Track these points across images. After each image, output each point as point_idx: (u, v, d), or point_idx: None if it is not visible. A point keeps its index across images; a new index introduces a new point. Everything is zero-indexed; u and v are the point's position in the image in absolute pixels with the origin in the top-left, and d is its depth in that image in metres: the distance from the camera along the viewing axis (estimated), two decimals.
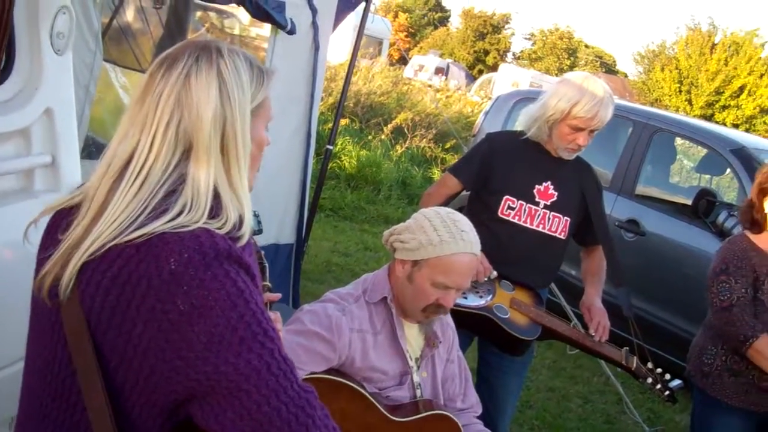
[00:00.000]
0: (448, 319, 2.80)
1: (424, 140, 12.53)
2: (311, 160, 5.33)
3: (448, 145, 12.80)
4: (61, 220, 1.54)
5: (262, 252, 2.26)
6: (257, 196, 4.83)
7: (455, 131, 12.47)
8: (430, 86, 19.10)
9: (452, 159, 12.60)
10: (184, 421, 1.47)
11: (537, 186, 3.41)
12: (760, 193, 3.26)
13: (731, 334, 3.20)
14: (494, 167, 3.43)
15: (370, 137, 12.00)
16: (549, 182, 3.41)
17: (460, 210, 2.92)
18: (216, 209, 1.47)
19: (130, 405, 1.42)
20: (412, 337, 2.61)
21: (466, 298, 3.25)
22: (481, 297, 3.31)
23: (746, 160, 6.11)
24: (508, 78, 27.62)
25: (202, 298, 1.36)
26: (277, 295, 2.02)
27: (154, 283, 1.36)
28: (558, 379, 5.96)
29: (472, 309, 3.26)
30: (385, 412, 2.42)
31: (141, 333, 1.37)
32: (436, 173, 12.09)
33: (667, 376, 3.33)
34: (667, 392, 3.30)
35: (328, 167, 10.63)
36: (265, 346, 1.40)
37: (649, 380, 3.31)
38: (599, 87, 3.27)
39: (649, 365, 3.35)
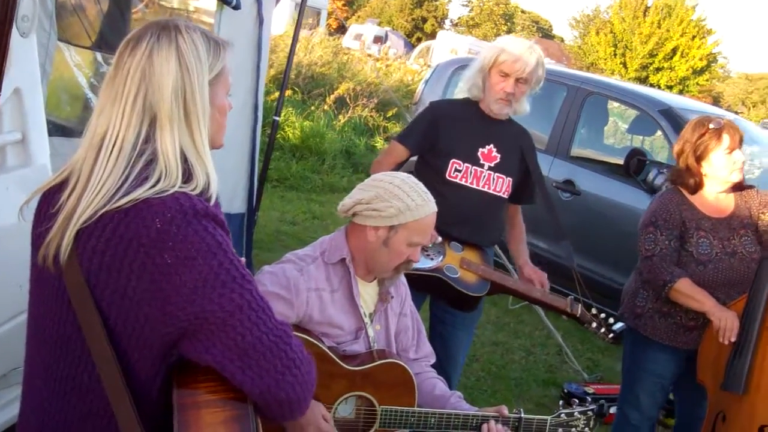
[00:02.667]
0: (401, 276, 2.99)
1: (366, 110, 12.68)
2: (259, 132, 5.48)
3: (389, 114, 12.97)
4: (52, 196, 1.72)
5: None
6: None
7: (396, 100, 12.66)
8: (369, 55, 19.20)
9: (394, 127, 12.78)
10: (175, 363, 1.69)
11: (481, 149, 3.62)
12: (697, 160, 3.47)
13: (653, 280, 3.50)
14: (439, 132, 3.64)
15: (312, 108, 12.11)
16: (492, 145, 3.64)
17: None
18: (187, 174, 1.67)
19: (131, 351, 1.63)
20: (366, 294, 2.81)
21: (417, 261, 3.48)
22: (432, 259, 3.53)
23: (674, 119, 6.42)
24: (447, 45, 27.78)
25: (187, 251, 1.57)
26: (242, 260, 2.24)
27: (144, 241, 1.56)
28: (501, 334, 6.25)
29: (425, 271, 3.47)
30: (340, 361, 2.63)
31: (135, 286, 1.58)
32: (379, 142, 12.28)
33: (611, 320, 3.60)
34: (611, 335, 3.57)
35: None
36: (244, 287, 1.62)
37: (594, 325, 3.57)
38: (524, 41, 3.60)
39: (593, 311, 3.61)
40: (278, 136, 10.73)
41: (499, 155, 3.65)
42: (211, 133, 1.78)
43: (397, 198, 2.62)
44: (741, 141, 3.45)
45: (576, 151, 7.17)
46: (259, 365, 1.61)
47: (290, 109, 11.58)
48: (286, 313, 2.58)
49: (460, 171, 3.61)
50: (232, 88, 4.93)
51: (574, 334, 6.46)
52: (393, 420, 2.70)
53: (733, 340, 3.29)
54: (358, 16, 50.30)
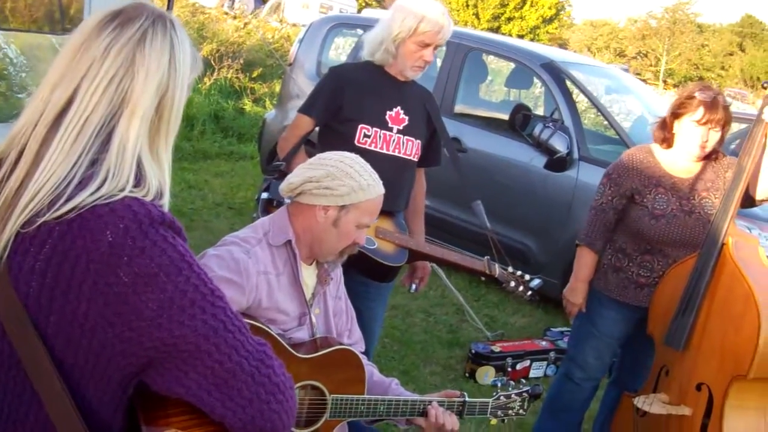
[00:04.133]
0: None
1: (231, 71, 12.29)
2: None
3: (255, 74, 12.60)
4: None
5: None
6: None
7: (259, 59, 12.32)
8: (226, 14, 18.63)
9: (261, 88, 12.46)
10: (137, 393, 1.48)
11: (388, 112, 3.51)
12: (673, 116, 3.50)
13: (581, 230, 3.69)
14: (344, 98, 3.49)
15: None
16: (399, 107, 3.53)
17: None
18: (139, 177, 1.45)
19: (84, 385, 1.41)
20: (307, 277, 2.69)
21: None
22: None
23: (555, 72, 6.48)
24: (298, 0, 27.32)
25: (145, 266, 1.36)
26: None
27: (94, 258, 1.35)
28: (398, 297, 6.17)
29: None
30: (292, 350, 2.49)
31: (86, 311, 1.36)
32: (248, 104, 11.94)
33: (527, 277, 3.59)
34: (529, 292, 3.56)
35: None
36: (215, 305, 1.43)
37: (513, 284, 3.54)
38: (437, 4, 3.46)
39: (510, 269, 3.59)
40: None
41: (407, 117, 3.55)
42: None
43: (349, 177, 2.52)
44: (722, 123, 3.45)
45: (459, 108, 7.14)
46: (241, 395, 1.42)
47: None
48: (237, 299, 2.42)
49: (369, 136, 3.48)
50: None
51: (468, 291, 6.48)
52: (343, 409, 2.60)
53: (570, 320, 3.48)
54: None
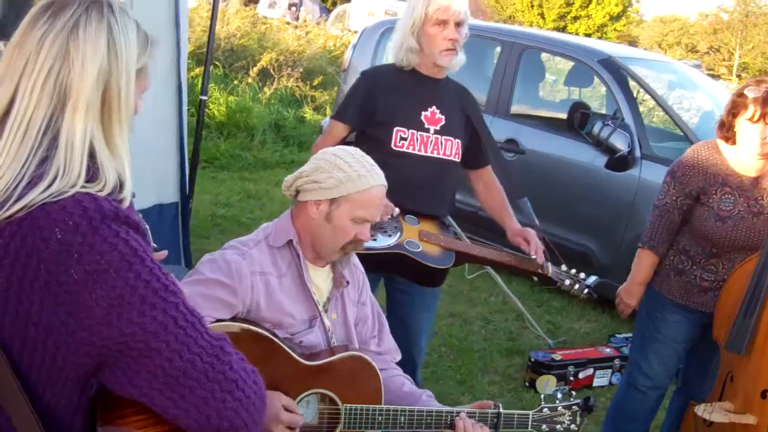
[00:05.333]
0: (356, 261, 2.78)
1: (291, 80, 12.27)
2: (185, 113, 5.12)
3: (316, 82, 12.57)
4: None
5: (139, 215, 2.17)
6: (134, 158, 4.63)
7: (320, 67, 12.28)
8: (288, 23, 18.73)
9: (322, 96, 12.43)
10: (98, 394, 1.45)
11: (423, 112, 3.38)
12: (730, 115, 3.31)
13: (645, 229, 3.47)
14: (377, 101, 3.39)
15: (236, 82, 11.67)
16: (434, 107, 3.39)
17: None
18: (93, 171, 1.41)
19: (42, 386, 1.39)
20: (320, 280, 2.60)
21: (375, 240, 3.22)
22: (390, 236, 3.29)
23: (614, 69, 6.25)
24: (363, 8, 27.35)
25: (95, 263, 1.34)
26: (163, 253, 2.01)
27: (44, 257, 1.33)
28: (458, 304, 6.04)
29: (385, 249, 3.24)
30: (296, 356, 2.40)
31: (39, 310, 1.34)
32: (308, 112, 11.92)
33: (582, 275, 3.43)
34: (586, 290, 3.39)
35: (196, 117, 10.36)
36: (167, 300, 1.38)
37: (567, 282, 3.38)
38: None
39: (563, 268, 3.42)
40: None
41: (443, 117, 3.40)
42: None
43: (337, 168, 2.42)
44: None
45: (516, 108, 6.96)
46: (193, 394, 1.37)
47: (212, 85, 11.12)
48: (230, 301, 2.37)
49: (405, 139, 3.35)
50: (151, 70, 4.54)
51: (530, 297, 6.30)
52: (359, 419, 2.47)
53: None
54: None
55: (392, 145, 3.34)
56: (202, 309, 2.29)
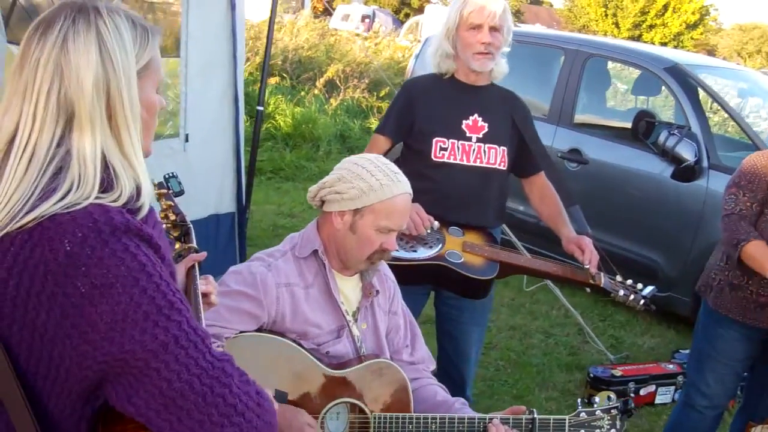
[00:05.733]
0: (386, 271, 2.75)
1: (358, 91, 12.31)
2: (242, 124, 5.14)
3: (382, 93, 12.57)
4: None
5: (184, 213, 2.16)
6: (190, 168, 4.69)
7: (387, 78, 12.26)
8: (357, 35, 18.81)
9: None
10: (102, 407, 1.43)
11: (464, 120, 3.29)
12: None
13: (728, 239, 3.22)
14: (416, 112, 3.32)
15: (303, 93, 11.75)
16: (476, 114, 3.30)
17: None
18: (108, 182, 1.40)
19: (47, 396, 1.38)
20: (348, 289, 2.57)
21: (415, 251, 3.16)
22: (431, 248, 3.22)
23: (680, 76, 6.07)
24: (436, 19, 27.35)
25: (102, 277, 1.31)
26: (203, 254, 2.01)
27: (51, 268, 1.31)
28: (518, 317, 5.93)
29: (424, 260, 3.17)
30: (322, 365, 2.38)
31: (45, 321, 1.33)
32: (374, 123, 11.90)
33: (639, 286, 3.29)
34: (642, 301, 3.26)
35: (263, 129, 10.46)
36: (171, 318, 1.35)
37: (621, 293, 3.25)
38: None
39: (618, 278, 3.30)
40: (269, 125, 10.43)
41: (486, 124, 3.30)
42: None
43: (359, 178, 2.38)
44: None
45: (579, 117, 6.81)
46: (190, 417, 1.34)
47: (279, 96, 11.22)
48: (255, 312, 2.36)
49: (445, 149, 3.27)
50: (208, 82, 4.59)
51: (593, 311, 6.15)
52: (388, 428, 2.43)
53: None
54: None
55: (432, 156, 3.27)
56: (228, 321, 2.31)
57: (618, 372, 4.76)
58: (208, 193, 4.92)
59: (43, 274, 1.31)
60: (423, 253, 3.19)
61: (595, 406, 2.59)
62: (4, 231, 1.33)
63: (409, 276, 2.86)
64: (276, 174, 9.39)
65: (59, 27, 1.40)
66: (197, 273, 1.95)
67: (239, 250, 5.23)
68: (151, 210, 1.50)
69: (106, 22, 1.42)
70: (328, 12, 27.59)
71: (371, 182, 2.37)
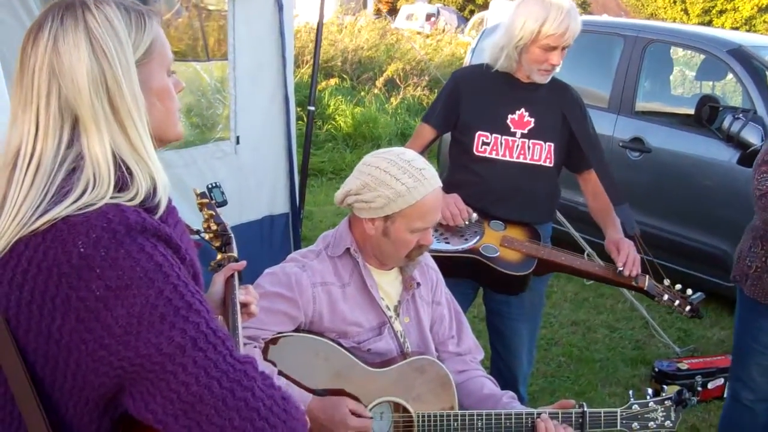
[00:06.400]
0: (428, 260, 2.68)
1: (418, 88, 12.26)
2: (293, 125, 5.12)
3: None
4: None
5: (226, 223, 2.12)
6: (242, 170, 4.70)
7: (447, 75, 12.14)
8: (419, 33, 18.75)
9: None
10: (123, 418, 1.37)
11: (510, 115, 3.20)
12: None
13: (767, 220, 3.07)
14: (461, 104, 3.25)
15: (363, 93, 11.74)
16: (523, 109, 3.21)
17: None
18: (123, 180, 1.35)
19: (64, 404, 1.33)
20: (387, 284, 2.51)
21: (448, 243, 3.10)
22: (466, 240, 3.16)
23: (745, 59, 5.85)
24: (501, 14, 27.13)
25: (117, 279, 1.26)
26: (242, 263, 1.96)
27: (65, 270, 1.26)
28: (581, 311, 5.79)
29: (457, 252, 3.12)
30: (362, 363, 2.34)
31: (60, 327, 1.28)
32: None
33: (689, 291, 3.16)
34: (688, 307, 3.13)
35: (324, 130, 10.49)
36: (189, 320, 1.29)
37: (666, 297, 3.12)
38: (560, 2, 3.05)
39: (666, 282, 3.16)
40: (329, 126, 10.47)
41: (533, 119, 3.21)
42: (156, 124, 1.45)
43: (384, 185, 2.28)
44: None
45: (641, 105, 6.62)
46: (210, 422, 1.26)
47: (339, 97, 11.23)
48: (292, 313, 2.33)
49: (488, 144, 3.20)
50: (256, 85, 4.55)
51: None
52: (432, 427, 2.37)
53: None
54: None
55: (475, 150, 3.20)
56: (264, 323, 2.28)
57: (684, 365, 4.61)
58: (261, 195, 4.92)
59: (57, 277, 1.27)
60: (457, 245, 3.14)
61: (648, 397, 2.51)
62: (17, 236, 1.29)
63: (444, 267, 2.79)
64: (337, 174, 9.40)
65: (48, 29, 1.36)
66: (236, 282, 1.91)
67: (294, 250, 5.21)
68: (172, 208, 1.45)
69: (95, 15, 1.37)
70: (392, 12, 27.61)
71: (397, 188, 2.28)
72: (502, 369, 3.43)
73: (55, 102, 1.34)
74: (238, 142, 4.65)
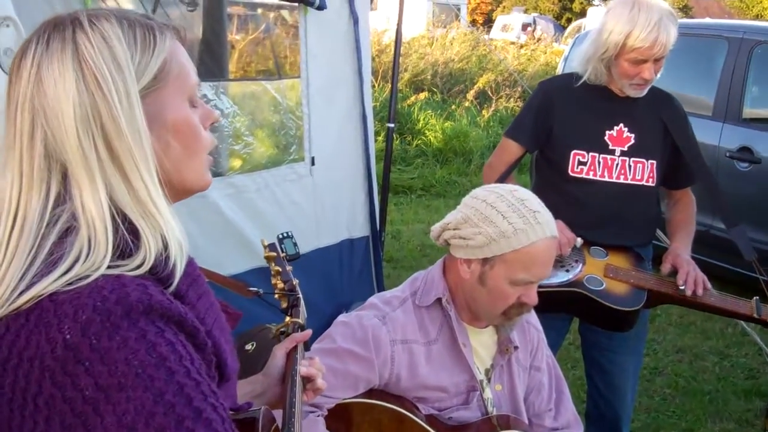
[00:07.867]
0: (530, 317, 2.29)
1: (511, 100, 11.90)
2: (372, 143, 4.87)
3: None
4: None
5: (295, 281, 1.88)
6: (318, 193, 4.47)
7: (525, 85, 11.77)
8: (513, 43, 18.37)
9: None
10: None
11: (608, 131, 2.88)
12: None
13: None
14: (554, 119, 2.93)
15: (453, 107, 11.44)
16: (621, 125, 2.89)
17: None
18: (126, 243, 1.06)
19: None
20: (480, 344, 2.16)
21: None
22: (567, 271, 2.83)
23: None
24: (598, 21, 26.53)
25: (108, 376, 0.98)
26: (307, 333, 1.72)
27: (48, 364, 0.99)
28: (687, 337, 5.36)
29: (559, 287, 2.77)
30: None
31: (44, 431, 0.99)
32: None
33: None
34: None
35: (413, 145, 10.23)
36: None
37: None
38: (653, 8, 2.71)
39: None
40: (419, 141, 10.22)
41: (632, 135, 2.88)
42: (172, 168, 1.16)
43: (488, 222, 1.94)
44: None
45: (749, 112, 6.14)
46: None
47: (428, 112, 10.96)
48: (365, 375, 1.99)
49: (584, 163, 2.87)
50: (331, 102, 4.23)
51: None
52: None
53: None
54: (504, 6, 49.26)
55: (570, 171, 2.88)
56: (331, 388, 1.91)
57: None
58: (339, 218, 4.68)
59: (40, 372, 1.00)
60: (559, 278, 2.80)
61: None
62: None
63: (540, 303, 2.48)
64: (427, 191, 9.13)
65: (32, 55, 1.09)
66: (299, 356, 1.64)
67: (375, 275, 4.95)
68: (196, 276, 1.16)
69: (87, 34, 1.09)
70: (488, 22, 27.28)
71: (502, 227, 1.93)
72: (603, 408, 3.09)
73: (39, 145, 1.07)
74: (313, 163, 4.42)
